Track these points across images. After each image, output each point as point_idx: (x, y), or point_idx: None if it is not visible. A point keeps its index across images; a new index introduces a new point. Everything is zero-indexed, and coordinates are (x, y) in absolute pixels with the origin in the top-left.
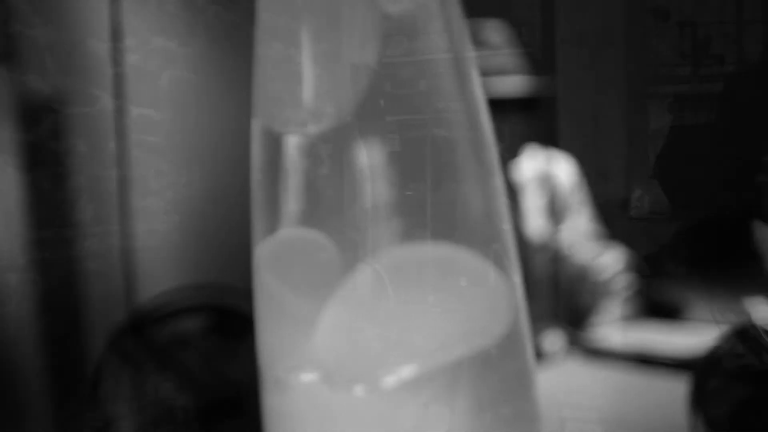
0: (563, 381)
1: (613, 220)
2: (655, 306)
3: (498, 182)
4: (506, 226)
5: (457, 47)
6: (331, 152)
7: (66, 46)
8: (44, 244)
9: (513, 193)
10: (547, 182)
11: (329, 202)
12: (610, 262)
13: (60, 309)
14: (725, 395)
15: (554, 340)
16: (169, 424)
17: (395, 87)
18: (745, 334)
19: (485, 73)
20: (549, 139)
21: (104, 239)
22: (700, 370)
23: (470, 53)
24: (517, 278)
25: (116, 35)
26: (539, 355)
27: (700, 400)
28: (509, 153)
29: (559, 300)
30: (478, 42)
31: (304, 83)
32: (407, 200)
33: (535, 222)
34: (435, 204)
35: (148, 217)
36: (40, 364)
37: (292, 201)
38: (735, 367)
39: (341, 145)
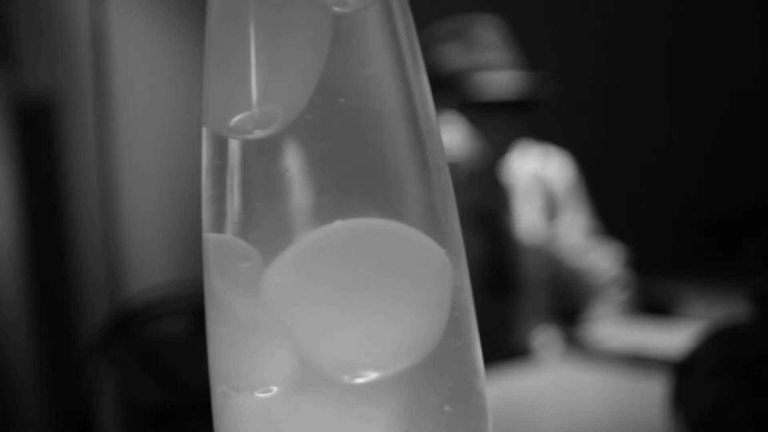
0: (557, 380)
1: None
2: (651, 304)
3: (447, 190)
4: (456, 229)
5: (406, 51)
6: (276, 156)
7: (57, 47)
8: (38, 240)
9: (507, 190)
10: (542, 179)
11: (270, 208)
12: (606, 259)
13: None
14: (704, 393)
15: (548, 338)
16: (154, 424)
17: (342, 90)
18: (725, 331)
19: (479, 68)
20: (545, 135)
21: (96, 235)
22: (680, 369)
23: (420, 58)
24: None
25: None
26: (533, 353)
27: (679, 399)
28: (503, 150)
29: (555, 298)
30: (473, 38)
31: (252, 87)
32: (344, 205)
33: (530, 219)
34: (373, 209)
35: (137, 214)
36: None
37: (235, 206)
38: (714, 365)
39: (286, 148)
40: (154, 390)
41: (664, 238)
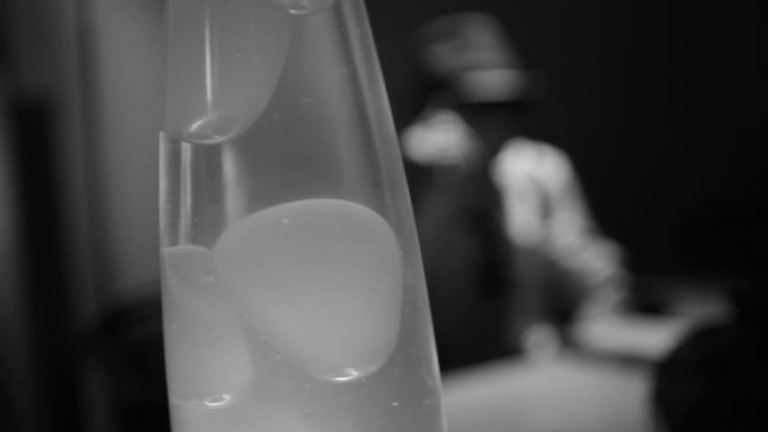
0: (550, 380)
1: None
2: (645, 303)
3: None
4: (410, 225)
5: (362, 51)
6: (236, 160)
7: (52, 46)
8: (32, 239)
9: (501, 190)
10: (536, 179)
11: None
12: (601, 259)
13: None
14: (682, 392)
15: (542, 338)
16: (139, 422)
17: (300, 94)
18: (704, 331)
19: (472, 69)
20: (539, 135)
21: (88, 234)
22: (659, 368)
23: (375, 58)
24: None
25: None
26: (527, 353)
27: (659, 398)
28: (497, 150)
29: (548, 298)
30: (465, 38)
31: (210, 92)
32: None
33: (524, 219)
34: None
35: (128, 212)
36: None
37: (191, 212)
38: (692, 365)
39: (244, 153)
40: (140, 388)
41: (659, 238)
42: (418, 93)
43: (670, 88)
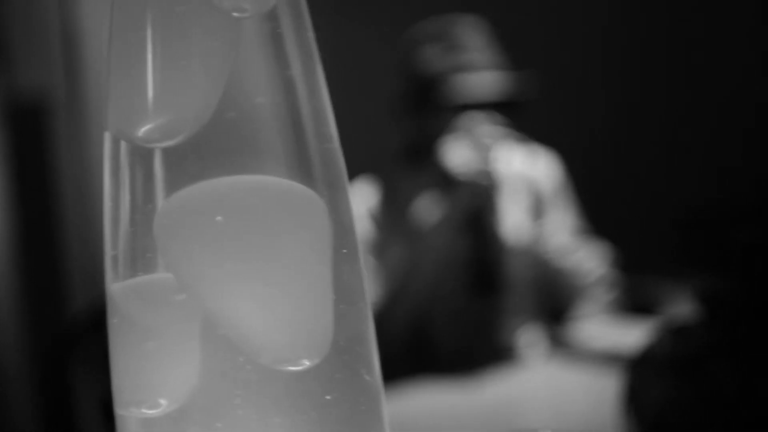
0: (541, 380)
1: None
2: (638, 303)
3: (342, 185)
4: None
5: (303, 56)
6: (185, 163)
7: (50, 47)
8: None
9: (493, 189)
10: (528, 178)
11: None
12: (593, 259)
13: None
14: (651, 390)
15: (534, 338)
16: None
17: (241, 97)
18: (674, 330)
19: (462, 70)
20: (532, 134)
21: (79, 231)
22: (632, 366)
23: (317, 57)
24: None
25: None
26: (519, 353)
27: (631, 396)
28: (485, 151)
29: (541, 297)
30: (455, 40)
31: (155, 94)
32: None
33: (516, 219)
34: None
35: None
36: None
37: (129, 213)
38: (660, 363)
39: (188, 158)
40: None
41: (654, 238)
42: (409, 94)
43: (665, 88)
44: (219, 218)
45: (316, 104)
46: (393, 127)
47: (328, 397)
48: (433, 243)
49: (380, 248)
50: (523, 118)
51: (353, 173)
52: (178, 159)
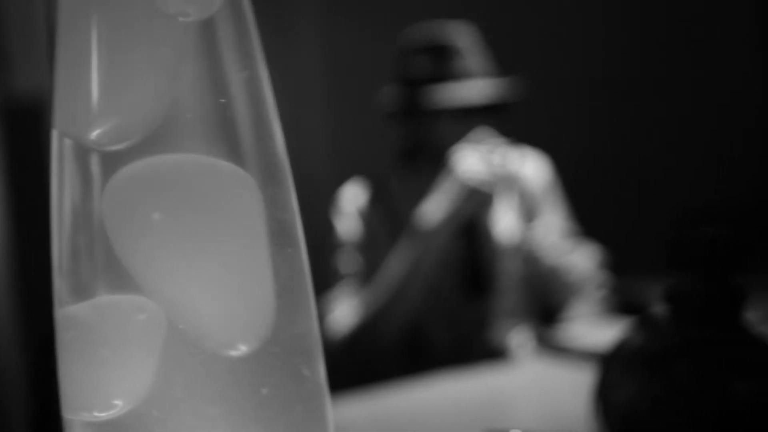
0: (531, 378)
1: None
2: (629, 304)
3: (285, 182)
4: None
5: (248, 61)
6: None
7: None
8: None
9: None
10: (518, 180)
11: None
12: (583, 260)
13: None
14: (621, 386)
15: (525, 337)
16: None
17: (192, 100)
18: (641, 327)
19: (451, 76)
20: (523, 137)
21: None
22: (604, 361)
23: (262, 64)
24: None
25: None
26: (510, 353)
27: (601, 391)
28: (488, 157)
29: (532, 297)
30: (444, 45)
31: (102, 98)
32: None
33: (507, 220)
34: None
35: None
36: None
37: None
38: (631, 358)
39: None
40: None
41: (642, 239)
42: (401, 99)
43: (657, 89)
44: (158, 201)
45: (258, 106)
46: (387, 130)
47: (264, 391)
48: (433, 245)
49: (369, 247)
50: (513, 120)
51: (348, 174)
52: (126, 161)
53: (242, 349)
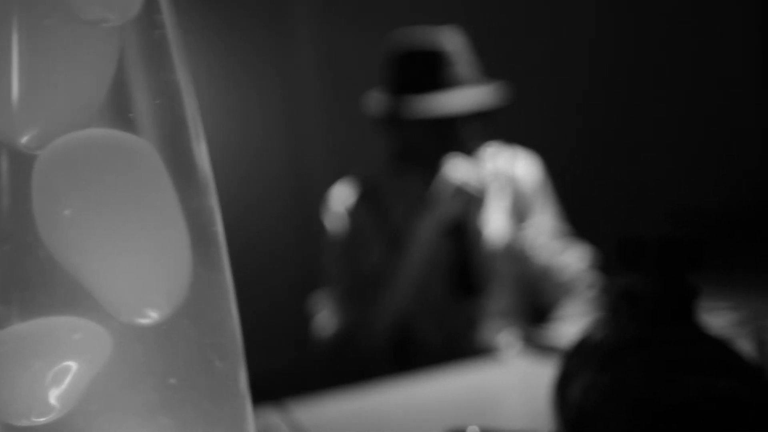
0: (517, 376)
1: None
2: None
3: (206, 206)
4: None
5: (169, 65)
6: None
7: None
8: None
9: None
10: (509, 181)
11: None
12: (573, 260)
13: None
14: (576, 378)
15: (513, 337)
16: None
17: (123, 104)
18: (606, 321)
19: (441, 83)
20: (515, 138)
21: None
22: (564, 355)
23: (183, 67)
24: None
25: None
26: (498, 352)
27: (558, 384)
28: (474, 160)
29: (522, 298)
30: (434, 51)
31: (28, 101)
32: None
33: (498, 219)
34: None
35: None
36: None
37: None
38: (587, 351)
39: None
40: None
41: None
42: (390, 104)
43: (645, 94)
44: (67, 175)
45: (179, 109)
46: (378, 133)
47: (172, 381)
48: (420, 246)
49: (356, 247)
50: (506, 121)
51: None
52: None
53: (154, 316)
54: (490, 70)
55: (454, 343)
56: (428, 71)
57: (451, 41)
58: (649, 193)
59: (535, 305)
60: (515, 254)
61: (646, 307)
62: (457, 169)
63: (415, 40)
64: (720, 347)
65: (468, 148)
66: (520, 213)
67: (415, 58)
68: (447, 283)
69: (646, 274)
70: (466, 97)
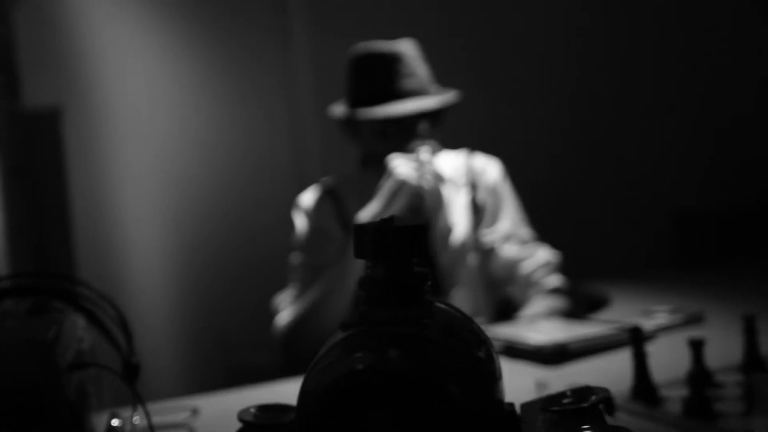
0: None
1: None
2: (581, 306)
3: None
4: None
5: None
6: None
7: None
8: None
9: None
10: (474, 181)
11: None
12: (537, 262)
13: None
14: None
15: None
16: None
17: None
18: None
19: (398, 91)
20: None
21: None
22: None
23: None
24: None
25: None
26: None
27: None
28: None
29: (486, 297)
30: (391, 61)
31: None
32: None
33: (463, 219)
34: None
35: (134, 219)
36: None
37: None
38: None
39: None
40: None
41: (599, 243)
42: (346, 114)
43: (642, 91)
44: None
45: None
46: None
47: None
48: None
49: (317, 246)
50: (442, 124)
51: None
52: None
53: None
54: (485, 74)
55: None
56: (377, 80)
57: (404, 52)
58: (641, 196)
59: (500, 304)
60: (481, 255)
61: (372, 291)
62: (402, 167)
63: (367, 52)
64: (422, 331)
65: (416, 149)
66: (481, 214)
67: (366, 68)
68: None
69: (373, 259)
70: (411, 102)
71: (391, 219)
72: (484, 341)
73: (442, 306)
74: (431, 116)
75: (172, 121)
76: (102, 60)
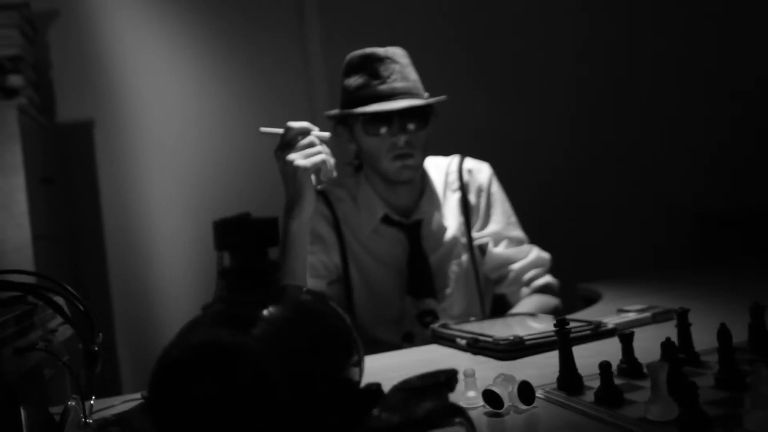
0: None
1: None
2: (569, 306)
3: None
4: None
5: None
6: None
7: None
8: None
9: (428, 197)
10: (465, 184)
11: None
12: (527, 263)
13: None
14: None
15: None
16: None
17: None
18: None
19: (396, 89)
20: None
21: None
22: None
23: None
24: None
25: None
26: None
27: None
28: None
29: (477, 298)
30: (380, 67)
31: None
32: None
33: (454, 221)
34: None
35: (160, 230)
36: None
37: None
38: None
39: None
40: None
41: (587, 246)
42: (335, 120)
43: (642, 91)
44: None
45: None
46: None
47: None
48: (287, 229)
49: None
50: (471, 127)
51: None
52: None
53: None
54: (489, 77)
55: (410, 344)
56: (369, 78)
57: (395, 55)
58: (642, 196)
59: (490, 303)
60: (471, 257)
61: (228, 278)
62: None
63: (360, 54)
64: (268, 312)
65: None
66: (472, 216)
67: (358, 67)
68: (404, 285)
69: (229, 250)
70: (403, 100)
71: (246, 214)
72: (339, 329)
73: (306, 296)
74: (421, 118)
75: (199, 132)
76: (132, 75)
